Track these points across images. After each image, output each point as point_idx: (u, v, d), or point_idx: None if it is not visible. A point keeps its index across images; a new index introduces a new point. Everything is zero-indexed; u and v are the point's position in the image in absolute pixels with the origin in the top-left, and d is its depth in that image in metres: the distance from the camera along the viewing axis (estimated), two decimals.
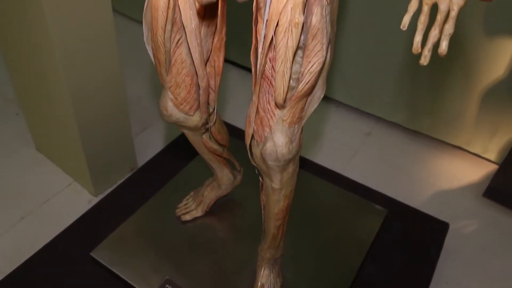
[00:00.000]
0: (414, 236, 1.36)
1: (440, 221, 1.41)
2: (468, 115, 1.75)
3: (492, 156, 1.80)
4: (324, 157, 1.75)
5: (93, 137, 1.49)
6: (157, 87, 2.07)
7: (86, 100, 1.40)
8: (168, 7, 0.79)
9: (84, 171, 1.57)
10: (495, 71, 1.63)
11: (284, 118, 0.79)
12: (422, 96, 1.80)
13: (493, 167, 1.79)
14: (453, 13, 0.64)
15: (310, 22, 0.71)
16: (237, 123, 1.66)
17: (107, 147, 1.57)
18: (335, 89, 1.96)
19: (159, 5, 0.78)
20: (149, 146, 1.77)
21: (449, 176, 1.76)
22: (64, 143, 1.58)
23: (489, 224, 1.57)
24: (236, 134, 1.47)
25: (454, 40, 1.57)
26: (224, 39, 0.85)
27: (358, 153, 1.82)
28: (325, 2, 0.70)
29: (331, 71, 1.91)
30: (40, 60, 1.35)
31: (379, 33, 1.74)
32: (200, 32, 0.80)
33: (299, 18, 0.68)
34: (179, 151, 1.55)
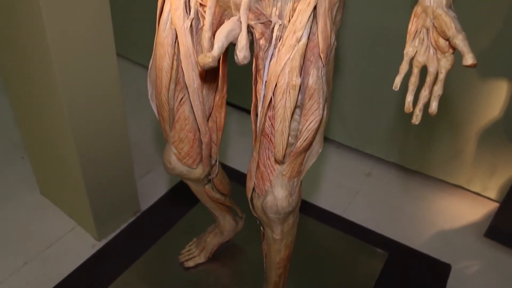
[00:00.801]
0: (416, 278, 1.36)
1: (442, 263, 1.42)
2: (467, 154, 1.78)
3: (492, 194, 1.82)
4: (325, 199, 1.77)
5: (96, 181, 1.52)
6: (160, 131, 2.10)
7: (90, 143, 1.43)
8: (171, 68, 0.83)
9: (87, 215, 1.59)
10: (490, 112, 1.67)
11: (284, 173, 0.82)
12: (421, 136, 1.83)
13: (494, 205, 1.80)
14: (441, 76, 0.68)
15: (307, 83, 0.75)
16: (238, 165, 1.69)
17: (111, 191, 1.59)
18: (335, 131, 2.00)
19: (163, 66, 0.82)
20: (153, 189, 1.80)
21: (450, 215, 1.77)
22: (68, 187, 1.60)
23: (491, 265, 1.57)
24: (236, 177, 1.50)
25: (449, 83, 1.61)
26: (225, 96, 0.89)
27: (359, 194, 1.84)
28: (321, 64, 0.74)
29: (330, 112, 1.96)
30: (45, 104, 1.39)
31: (378, 75, 1.78)
32: (202, 92, 0.84)
33: (296, 81, 0.72)
34: (182, 195, 1.58)
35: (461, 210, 1.79)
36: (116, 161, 1.56)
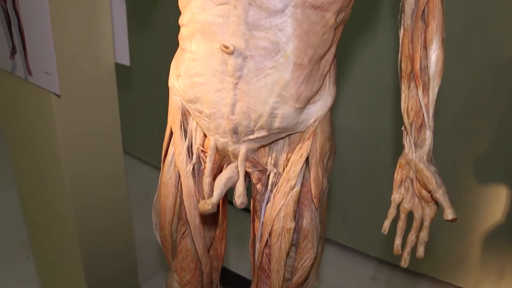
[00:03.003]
0: None
1: None
2: (473, 258, 1.77)
3: None
4: None
5: (100, 285, 1.51)
6: None
7: (95, 244, 1.44)
8: (175, 205, 0.88)
9: None
10: (492, 216, 1.69)
11: None
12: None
13: None
14: (426, 223, 0.73)
15: (301, 224, 0.79)
16: (239, 268, 1.69)
17: None
18: (339, 233, 2.01)
19: (167, 204, 0.88)
20: None
21: None
22: None
23: None
24: (237, 284, 1.50)
25: (449, 187, 1.66)
26: (226, 229, 0.94)
27: None
28: (314, 207, 0.79)
29: (334, 214, 1.99)
30: (52, 202, 1.43)
31: (379, 178, 1.83)
32: (203, 227, 0.89)
33: (291, 225, 0.76)
34: None
35: None
36: (121, 262, 1.57)
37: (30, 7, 1.15)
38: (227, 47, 0.67)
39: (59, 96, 1.20)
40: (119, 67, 1.31)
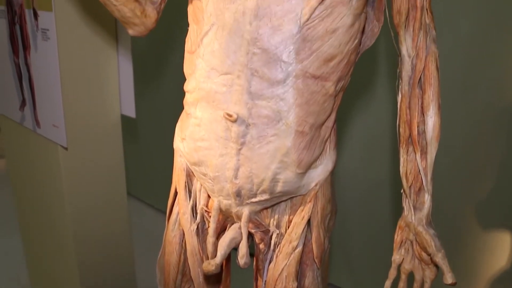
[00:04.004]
0: None
1: None
2: None
3: None
4: None
5: None
6: None
7: (96, 286, 1.44)
8: (179, 262, 0.90)
9: None
10: (497, 263, 1.68)
11: None
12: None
13: None
14: (426, 285, 0.74)
15: (304, 284, 0.80)
16: None
17: None
18: (342, 278, 2.00)
19: (171, 262, 0.89)
20: None
21: None
22: None
23: None
24: None
25: (454, 235, 1.66)
26: (229, 286, 0.95)
27: None
28: (315, 267, 0.80)
29: (337, 259, 1.98)
30: (56, 248, 1.44)
31: (382, 222, 1.83)
32: (207, 284, 0.90)
33: (293, 285, 0.78)
34: None
35: None
36: None
37: (41, 62, 1.20)
38: (230, 115, 0.69)
39: (66, 148, 1.23)
40: (125, 118, 1.35)
